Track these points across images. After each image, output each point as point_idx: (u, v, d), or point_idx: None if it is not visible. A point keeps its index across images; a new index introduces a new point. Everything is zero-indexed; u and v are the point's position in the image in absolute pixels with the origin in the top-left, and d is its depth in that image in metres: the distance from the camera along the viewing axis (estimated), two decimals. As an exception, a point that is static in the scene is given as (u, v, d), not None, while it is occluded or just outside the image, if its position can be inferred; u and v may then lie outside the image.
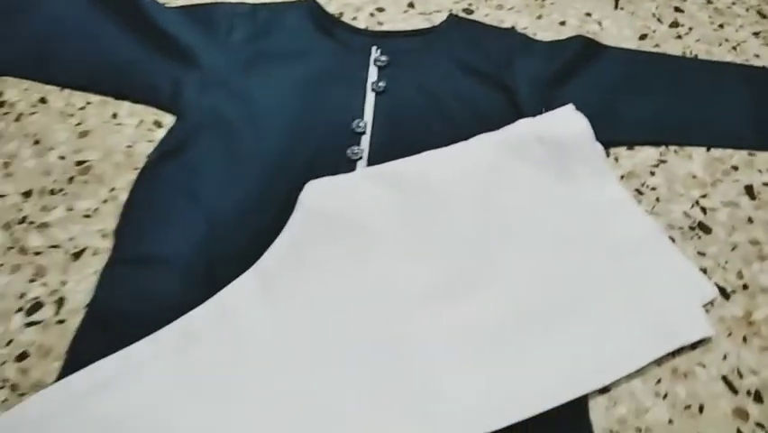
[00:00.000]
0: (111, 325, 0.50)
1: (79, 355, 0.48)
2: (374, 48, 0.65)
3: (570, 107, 0.59)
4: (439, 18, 0.70)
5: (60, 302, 0.51)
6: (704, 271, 0.54)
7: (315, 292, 0.51)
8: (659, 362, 0.49)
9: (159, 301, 0.50)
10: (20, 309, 0.51)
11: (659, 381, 0.49)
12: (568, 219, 0.55)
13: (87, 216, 0.56)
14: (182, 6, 0.68)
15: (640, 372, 0.49)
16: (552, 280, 0.52)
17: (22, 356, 0.49)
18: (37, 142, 0.60)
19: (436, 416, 0.46)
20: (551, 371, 0.48)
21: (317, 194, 0.54)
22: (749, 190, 0.59)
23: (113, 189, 0.57)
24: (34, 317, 0.51)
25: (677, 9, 0.72)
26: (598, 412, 0.48)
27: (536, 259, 0.53)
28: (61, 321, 0.50)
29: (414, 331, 0.49)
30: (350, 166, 0.58)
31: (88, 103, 0.62)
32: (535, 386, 0.47)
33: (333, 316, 0.50)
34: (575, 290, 0.52)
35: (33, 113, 0.62)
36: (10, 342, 0.49)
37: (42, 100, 0.63)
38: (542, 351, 0.49)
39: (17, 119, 0.61)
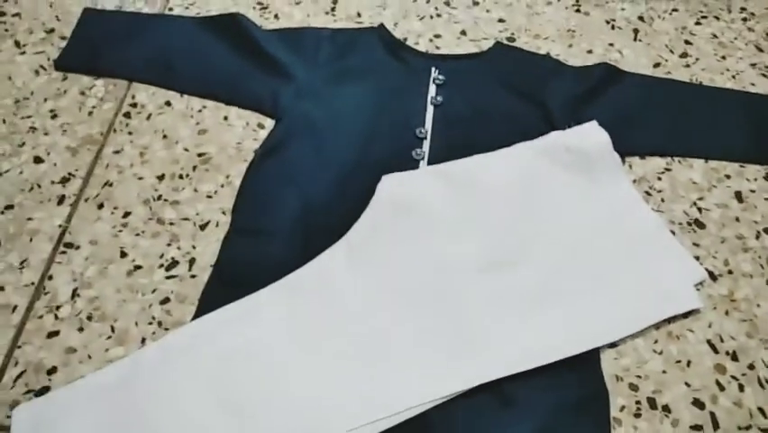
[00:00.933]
0: (232, 280, 0.63)
1: (208, 302, 0.62)
2: (433, 68, 0.79)
3: (593, 123, 0.72)
4: (486, 44, 0.83)
5: (192, 261, 0.65)
6: (697, 258, 0.67)
7: (389, 260, 0.64)
8: (657, 326, 0.62)
9: (267, 263, 0.64)
10: (161, 266, 0.65)
11: (656, 340, 0.62)
12: (590, 212, 0.68)
13: (209, 197, 0.70)
14: (276, 30, 0.82)
15: (642, 332, 0.61)
16: (576, 260, 0.65)
17: (164, 301, 0.63)
18: (165, 137, 0.74)
19: (482, 357, 0.59)
20: (572, 328, 0.61)
21: (391, 186, 0.67)
22: (738, 195, 0.71)
23: (228, 176, 0.71)
24: (172, 272, 0.65)
25: (687, 42, 0.84)
26: (607, 362, 0.60)
27: (564, 243, 0.66)
28: (193, 276, 0.64)
29: (465, 293, 0.62)
30: (414, 164, 0.71)
31: (204, 107, 0.77)
32: (560, 339, 0.60)
33: (403, 278, 0.63)
34: (595, 267, 0.64)
35: (161, 113, 0.76)
36: (155, 290, 0.64)
37: (167, 103, 0.77)
38: (566, 313, 0.61)
39: (148, 118, 0.76)
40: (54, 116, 0.75)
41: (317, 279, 0.63)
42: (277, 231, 0.66)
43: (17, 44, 0.82)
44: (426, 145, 0.73)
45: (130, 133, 0.74)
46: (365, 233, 0.65)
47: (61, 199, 0.69)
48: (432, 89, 0.77)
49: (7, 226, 0.67)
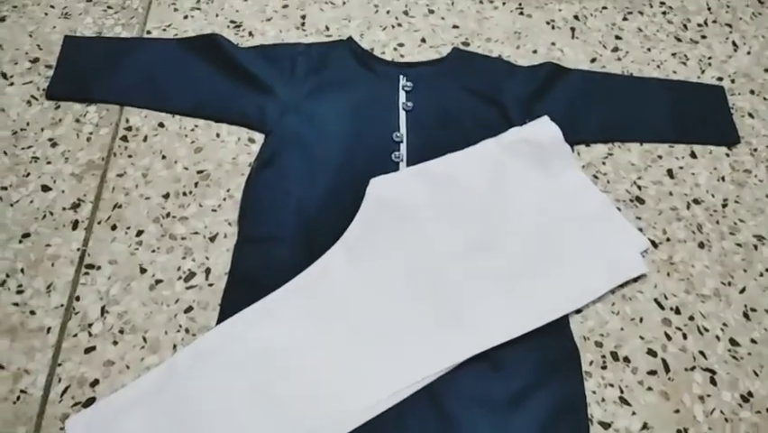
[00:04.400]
0: (247, 285, 0.68)
1: (229, 306, 0.67)
2: (401, 76, 0.84)
3: (545, 118, 0.79)
4: (445, 50, 0.89)
5: (208, 271, 0.70)
6: (641, 229, 0.76)
7: (383, 253, 0.70)
8: (612, 291, 0.71)
9: (276, 266, 0.69)
10: (179, 278, 0.69)
11: (613, 303, 0.71)
12: (550, 197, 0.76)
13: (214, 210, 0.74)
14: (253, 47, 0.86)
15: (600, 298, 0.70)
16: (542, 241, 0.73)
17: (188, 309, 0.67)
18: (164, 157, 0.77)
19: (471, 331, 0.66)
20: (544, 300, 0.69)
21: (378, 188, 0.73)
22: (670, 173, 0.81)
23: (228, 190, 0.75)
24: (191, 283, 0.69)
25: (617, 37, 0.93)
26: (574, 325, 0.69)
27: (530, 227, 0.73)
28: (211, 285, 0.69)
29: (450, 277, 0.69)
30: (394, 166, 0.77)
31: (196, 126, 0.80)
32: (535, 310, 0.68)
33: (396, 268, 0.70)
34: (558, 246, 0.72)
35: (156, 134, 0.79)
36: (177, 300, 0.68)
37: (161, 124, 0.80)
38: (538, 288, 0.69)
39: (144, 140, 0.78)
40: (54, 145, 0.77)
41: (322, 277, 0.69)
42: (281, 236, 0.71)
43: (4, 76, 0.82)
44: (403, 148, 0.79)
45: (130, 156, 0.77)
46: (360, 232, 0.71)
47: (75, 224, 0.71)
48: (402, 96, 0.83)
49: (28, 254, 0.69)
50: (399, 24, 0.92)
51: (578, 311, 0.70)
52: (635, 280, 0.72)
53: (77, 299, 0.67)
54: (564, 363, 0.66)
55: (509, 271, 0.70)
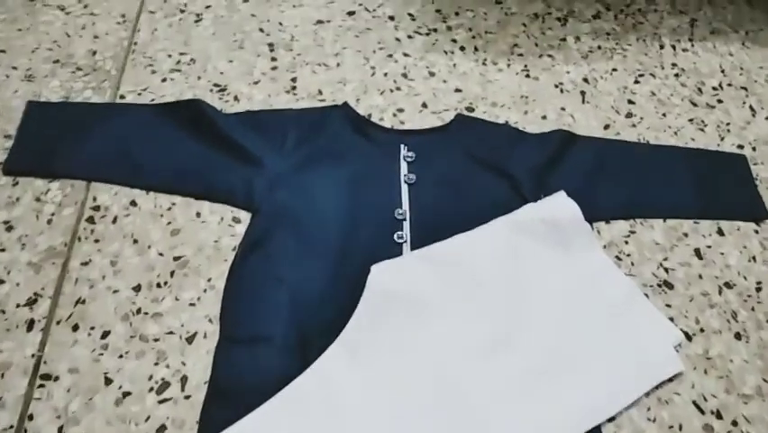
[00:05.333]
0: (230, 397, 0.58)
1: (208, 425, 0.57)
2: (402, 146, 0.76)
3: (562, 194, 0.72)
4: (448, 116, 0.82)
5: (184, 380, 0.60)
6: (671, 319, 0.68)
7: (388, 357, 0.62)
8: (647, 394, 0.63)
9: (264, 373, 0.59)
10: (151, 389, 0.59)
11: (648, 408, 0.62)
12: (569, 283, 0.68)
13: (193, 305, 0.64)
14: (238, 114, 0.77)
15: (635, 403, 0.62)
16: (564, 336, 0.64)
17: (161, 429, 0.57)
18: (136, 241, 0.68)
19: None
20: (572, 409, 0.60)
21: (380, 277, 0.64)
22: (697, 252, 0.74)
23: (209, 280, 0.66)
24: (165, 395, 0.59)
25: (630, 101, 0.87)
26: (608, 436, 0.61)
27: (551, 320, 0.65)
28: (188, 397, 0.59)
29: (463, 381, 0.61)
30: (397, 248, 0.69)
31: (173, 204, 0.71)
32: (562, 422, 0.59)
33: (402, 374, 0.61)
34: (582, 342, 0.64)
35: (127, 215, 0.69)
36: (148, 418, 0.58)
37: (133, 203, 0.70)
38: (564, 392, 0.61)
39: (114, 221, 0.69)
40: (9, 228, 0.67)
41: (318, 386, 0.59)
42: (270, 335, 0.62)
43: (-45, 148, 0.73)
44: (407, 227, 0.70)
45: (96, 241, 0.67)
46: (360, 329, 0.62)
47: (31, 324, 0.61)
48: (404, 167, 0.75)
49: (-28, 363, 0.59)
50: (398, 88, 0.84)
51: (610, 419, 0.61)
52: (671, 379, 0.64)
53: (30, 417, 0.56)
54: (599, 484, 0.57)
55: (530, 374, 0.62)
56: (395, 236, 0.69)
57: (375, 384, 0.60)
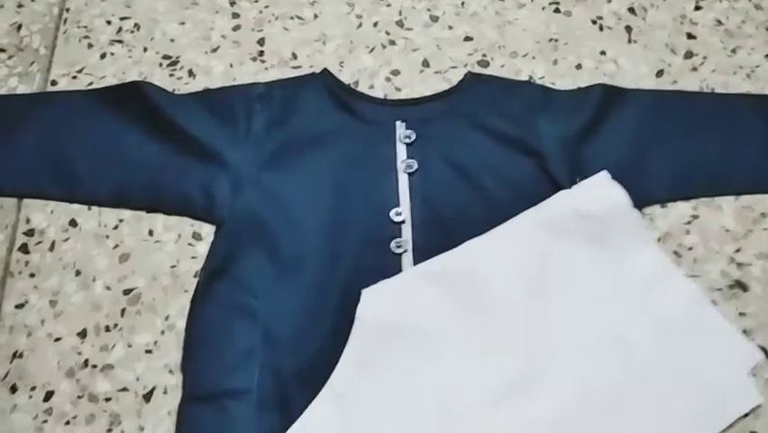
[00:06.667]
0: None
1: (173, 506, 0.48)
2: (398, 122, 0.61)
3: (604, 175, 0.57)
4: (455, 75, 0.66)
5: (143, 450, 0.50)
6: (746, 332, 0.54)
7: (386, 404, 0.50)
8: (716, 434, 0.51)
9: None
10: (105, 462, 0.50)
11: (716, 453, 0.50)
12: (614, 297, 0.54)
13: (149, 352, 0.53)
14: (193, 94, 0.63)
15: (698, 448, 0.50)
16: (608, 363, 0.52)
17: None
18: (78, 273, 0.56)
19: None
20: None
21: (373, 304, 0.52)
22: (780, 239, 0.58)
23: (167, 318, 0.55)
24: (121, 469, 0.50)
25: (689, 36, 0.68)
26: (665, 494, 0.49)
27: (591, 343, 0.52)
28: (148, 470, 0.50)
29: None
30: (395, 262, 0.55)
31: (121, 220, 0.58)
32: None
33: (405, 423, 0.50)
34: (631, 372, 0.51)
35: (67, 238, 0.58)
36: (103, 499, 0.49)
37: (72, 223, 0.58)
38: (610, 441, 0.50)
39: (51, 248, 0.57)
40: (-73, 267, 0.57)
41: (304, 451, 0.49)
42: (241, 388, 0.51)
43: None
44: (407, 232, 0.57)
45: (32, 276, 0.56)
46: (352, 376, 0.51)
47: (-41, 390, 0.52)
48: (401, 152, 0.60)
49: None
50: (392, 42, 0.68)
51: (669, 471, 0.49)
52: (746, 414, 0.51)
53: (-36, 507, 0.48)
54: None
55: (563, 422, 0.50)
56: (392, 245, 0.56)
57: (371, 443, 0.49)
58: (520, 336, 0.52)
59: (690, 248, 0.58)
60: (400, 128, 0.61)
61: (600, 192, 0.56)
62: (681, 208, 0.59)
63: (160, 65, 0.66)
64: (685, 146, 0.61)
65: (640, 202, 0.57)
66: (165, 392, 0.52)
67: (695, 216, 0.59)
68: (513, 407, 0.50)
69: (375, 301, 0.52)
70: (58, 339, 0.54)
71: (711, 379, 0.51)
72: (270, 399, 0.51)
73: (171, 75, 0.66)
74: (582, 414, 0.50)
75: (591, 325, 0.53)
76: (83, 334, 0.54)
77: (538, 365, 0.52)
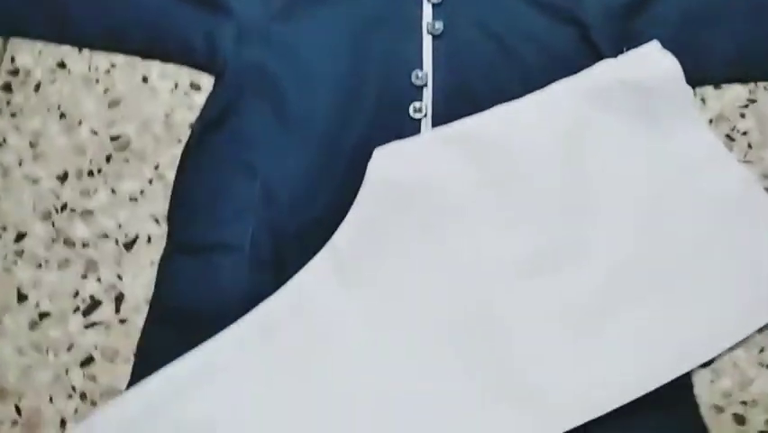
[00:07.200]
0: (179, 321, 0.46)
1: (150, 356, 0.45)
2: (426, -22, 0.55)
3: (654, 44, 0.51)
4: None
5: (119, 299, 0.46)
6: (803, 225, 0.48)
7: (394, 273, 0.46)
8: (760, 330, 0.45)
9: (226, 292, 0.46)
10: (76, 309, 0.46)
11: (762, 349, 0.45)
12: (658, 174, 0.49)
13: (134, 200, 0.49)
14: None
15: (742, 342, 0.45)
16: (645, 243, 0.47)
17: (87, 362, 0.44)
18: (63, 116, 0.52)
19: (538, 409, 0.42)
20: (652, 347, 0.44)
21: (385, 164, 0.47)
22: None
23: (157, 167, 0.50)
24: (93, 318, 0.46)
25: None
26: (701, 387, 0.44)
27: (628, 221, 0.47)
28: (123, 320, 0.46)
29: (504, 311, 0.45)
30: (413, 125, 0.51)
31: (113, 65, 0.54)
32: (636, 367, 0.43)
33: (415, 297, 0.46)
34: (670, 254, 0.47)
35: (54, 80, 0.53)
36: (71, 347, 0.45)
37: (61, 65, 0.54)
38: (640, 327, 0.44)
39: (37, 89, 0.53)
40: None
41: (298, 309, 0.45)
42: (234, 243, 0.48)
43: None
44: (428, 96, 0.52)
45: (13, 116, 0.52)
46: (356, 235, 0.46)
47: (-75, 224, 0.48)
48: (427, 11, 0.54)
49: None
50: None
51: (705, 363, 0.44)
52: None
53: None
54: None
55: (594, 302, 0.45)
56: (410, 109, 0.51)
57: (373, 314, 0.45)
58: (553, 207, 0.48)
59: (745, 133, 0.52)
60: (427, -15, 0.55)
61: (650, 61, 0.51)
62: (737, 91, 0.54)
63: None
64: (746, 24, 0.55)
65: (692, 81, 0.51)
66: (149, 241, 0.48)
67: (752, 101, 0.53)
68: (542, 278, 0.46)
69: (388, 161, 0.48)
70: (35, 181, 0.50)
71: (761, 269, 0.46)
72: (264, 258, 0.47)
73: None
74: (620, 290, 0.45)
75: (627, 203, 0.48)
76: (63, 177, 0.50)
77: (564, 242, 0.47)
